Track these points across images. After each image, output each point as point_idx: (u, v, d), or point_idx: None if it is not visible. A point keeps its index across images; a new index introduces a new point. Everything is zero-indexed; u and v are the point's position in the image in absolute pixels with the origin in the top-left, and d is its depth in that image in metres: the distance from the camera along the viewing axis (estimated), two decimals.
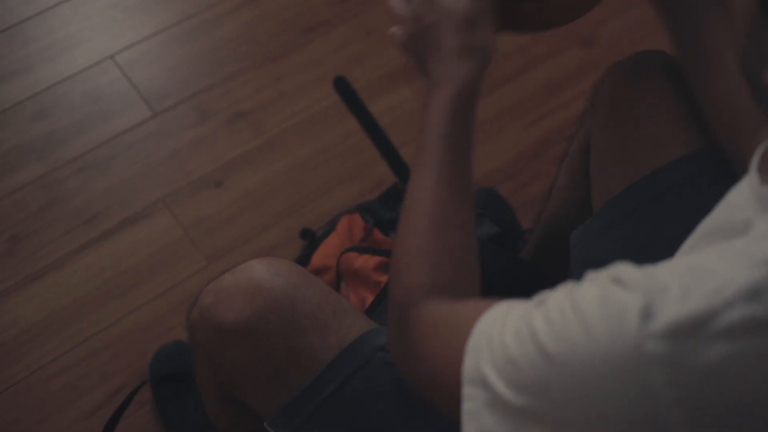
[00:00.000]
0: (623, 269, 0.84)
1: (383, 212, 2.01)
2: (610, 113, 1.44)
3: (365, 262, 1.79)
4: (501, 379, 0.89)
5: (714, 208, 0.98)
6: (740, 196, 0.90)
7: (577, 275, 1.39)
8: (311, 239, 1.99)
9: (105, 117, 2.16)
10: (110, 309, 1.93)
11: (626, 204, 1.39)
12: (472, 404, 0.93)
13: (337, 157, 2.15)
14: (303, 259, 1.95)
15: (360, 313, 1.30)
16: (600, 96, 1.49)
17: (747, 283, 0.77)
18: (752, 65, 0.88)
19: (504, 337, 0.90)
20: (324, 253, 1.93)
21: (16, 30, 2.27)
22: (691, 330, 0.77)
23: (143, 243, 2.01)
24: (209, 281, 1.29)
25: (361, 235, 1.92)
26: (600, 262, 1.08)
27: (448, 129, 1.14)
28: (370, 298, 1.71)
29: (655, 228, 1.35)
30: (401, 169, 2.00)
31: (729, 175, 1.34)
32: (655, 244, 1.33)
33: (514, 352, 0.87)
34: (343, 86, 2.09)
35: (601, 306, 0.82)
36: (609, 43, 2.38)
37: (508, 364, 0.88)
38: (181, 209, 2.05)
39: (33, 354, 1.88)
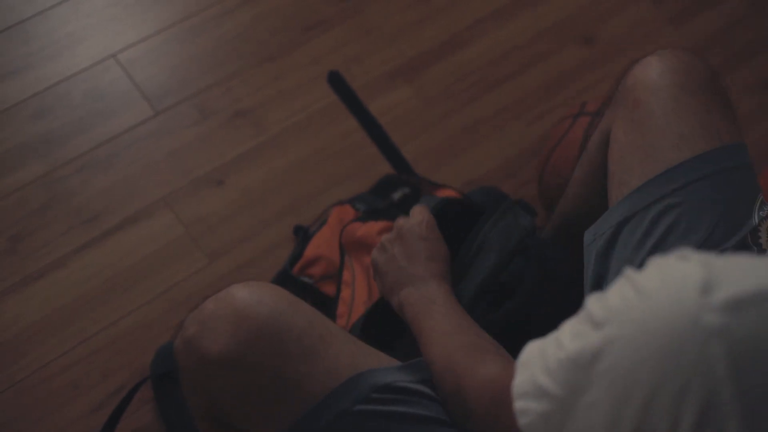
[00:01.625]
0: (688, 249, 0.85)
1: (375, 202, 2.02)
2: (633, 107, 1.44)
3: (369, 229, 1.86)
4: (557, 382, 0.90)
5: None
6: None
7: (595, 273, 1.39)
8: (303, 235, 1.99)
9: (106, 116, 2.16)
10: (111, 307, 1.94)
11: (642, 199, 1.38)
12: (527, 419, 0.95)
13: (337, 155, 2.16)
14: (296, 256, 1.95)
15: (349, 336, 1.28)
16: (623, 90, 1.49)
17: None
18: None
19: (560, 340, 0.92)
20: (316, 245, 1.95)
21: (17, 29, 2.27)
22: (750, 305, 0.78)
23: (144, 242, 2.01)
24: (192, 309, 1.27)
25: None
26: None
27: (455, 307, 1.41)
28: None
29: (673, 223, 1.35)
30: (396, 158, 2.02)
31: (749, 174, 1.34)
32: (670, 240, 1.33)
33: (572, 348, 0.89)
34: (336, 81, 2.10)
35: (662, 278, 0.83)
36: (609, 42, 2.38)
37: (563, 363, 0.90)
38: (182, 208, 2.05)
39: (34, 353, 1.88)
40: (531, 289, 1.63)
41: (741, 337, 0.77)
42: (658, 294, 0.82)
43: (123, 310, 1.93)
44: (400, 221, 1.59)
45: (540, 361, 0.95)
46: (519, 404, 0.97)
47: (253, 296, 1.23)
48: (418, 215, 1.59)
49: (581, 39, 2.37)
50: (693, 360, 0.79)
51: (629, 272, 0.88)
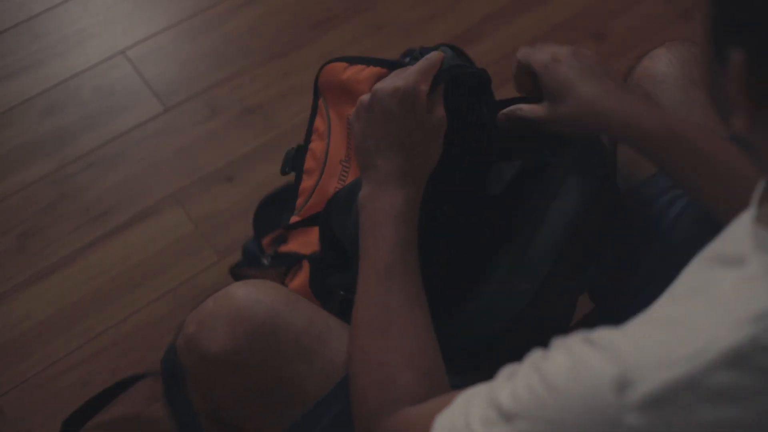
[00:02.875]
0: (596, 331, 0.81)
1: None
2: (649, 95, 1.43)
3: (357, 72, 1.45)
4: None
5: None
6: (739, 229, 0.85)
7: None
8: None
9: (115, 112, 2.15)
10: (121, 305, 1.93)
11: (646, 193, 1.37)
12: None
13: None
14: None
15: (346, 331, 1.25)
16: (631, 81, 1.48)
17: (729, 345, 0.73)
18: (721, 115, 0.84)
19: (471, 425, 0.87)
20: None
21: (26, 26, 2.26)
22: (671, 399, 0.74)
23: (154, 238, 2.01)
24: (194, 308, 1.27)
25: None
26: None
27: (401, 237, 1.16)
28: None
29: (682, 211, 1.33)
30: None
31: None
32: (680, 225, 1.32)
33: None
34: None
35: (571, 373, 0.79)
36: (620, 37, 2.36)
37: None
38: (192, 204, 2.05)
39: (44, 350, 1.88)
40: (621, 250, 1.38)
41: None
42: (571, 392, 0.78)
43: (132, 307, 1.93)
44: (379, 83, 1.23)
45: None
46: None
47: (252, 295, 1.21)
48: (395, 79, 1.21)
49: (592, 35, 2.36)
50: None
51: (536, 358, 0.84)
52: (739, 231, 0.84)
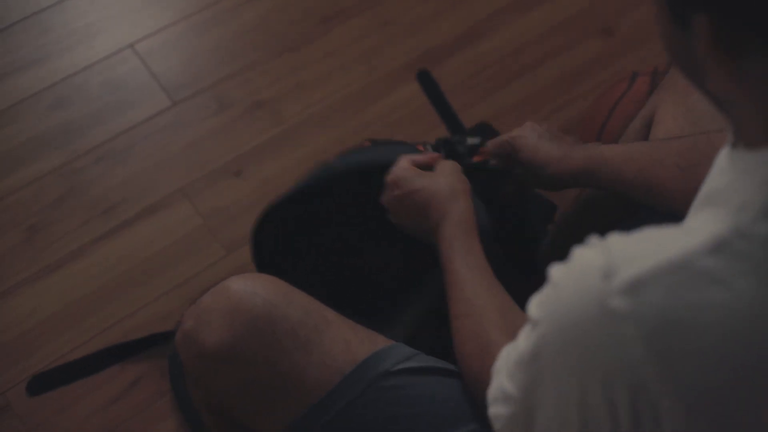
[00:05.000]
0: (596, 236, 0.86)
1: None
2: (685, 93, 1.43)
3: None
4: (515, 384, 0.94)
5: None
6: (723, 160, 0.90)
7: None
8: None
9: (123, 106, 2.15)
10: (128, 299, 1.93)
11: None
12: (499, 424, 0.99)
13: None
14: None
15: (345, 322, 1.28)
16: (674, 74, 1.48)
17: (711, 233, 0.78)
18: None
19: (517, 341, 0.95)
20: None
21: (34, 19, 2.26)
22: (651, 282, 0.78)
23: (162, 233, 2.01)
24: (192, 301, 1.27)
25: None
26: None
27: (464, 247, 1.32)
28: None
29: None
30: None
31: None
32: None
33: (521, 348, 0.92)
34: (426, 80, 2.08)
35: (568, 267, 0.85)
36: (628, 34, 2.36)
37: (517, 365, 0.93)
38: (200, 199, 2.05)
39: (51, 344, 1.88)
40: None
41: (649, 315, 0.78)
42: (566, 284, 0.84)
43: (140, 302, 1.93)
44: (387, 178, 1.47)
45: (505, 365, 0.99)
46: (492, 411, 1.01)
47: (248, 288, 1.23)
48: (389, 177, 1.46)
49: (600, 30, 2.36)
50: (609, 346, 0.80)
51: (552, 268, 0.89)
52: (722, 162, 0.91)
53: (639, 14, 2.39)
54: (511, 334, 1.09)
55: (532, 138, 1.50)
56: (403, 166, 1.43)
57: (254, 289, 1.23)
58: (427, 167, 1.45)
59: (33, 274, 1.95)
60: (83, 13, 2.28)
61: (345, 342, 1.24)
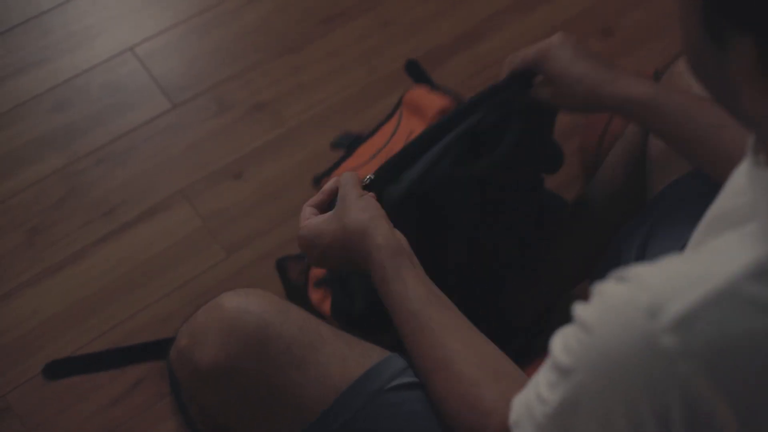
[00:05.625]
0: (627, 269, 0.84)
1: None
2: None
3: (432, 101, 1.71)
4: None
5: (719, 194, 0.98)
6: (741, 179, 0.89)
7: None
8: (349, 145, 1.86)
9: (124, 109, 2.16)
10: (129, 301, 1.93)
11: (680, 190, 1.37)
12: None
13: None
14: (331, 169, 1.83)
15: (340, 338, 1.26)
16: (669, 77, 1.48)
17: (752, 259, 0.77)
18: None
19: (541, 394, 0.92)
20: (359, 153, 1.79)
21: (35, 22, 2.27)
22: (702, 316, 0.77)
23: (162, 235, 2.01)
24: (186, 318, 1.27)
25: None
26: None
27: (411, 278, 1.22)
28: (417, 130, 1.63)
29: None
30: None
31: None
32: None
33: (552, 400, 0.89)
34: (414, 69, 2.07)
35: (604, 309, 0.83)
36: (628, 34, 2.36)
37: (551, 419, 0.90)
38: (200, 201, 2.05)
39: (52, 346, 1.88)
40: (510, 151, 1.46)
41: (705, 349, 0.77)
42: (607, 329, 0.82)
43: (140, 303, 1.93)
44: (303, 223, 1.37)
45: (529, 420, 0.94)
46: None
47: (241, 306, 1.22)
48: (299, 242, 1.37)
49: (600, 30, 2.36)
50: (664, 385, 0.79)
51: (578, 309, 0.87)
52: (740, 181, 0.89)
53: (639, 14, 2.39)
54: (501, 383, 1.09)
55: (568, 50, 1.39)
56: (305, 222, 1.35)
57: (247, 306, 1.22)
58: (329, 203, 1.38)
59: (34, 276, 1.95)
60: (83, 16, 2.28)
61: (341, 359, 1.23)
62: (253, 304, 1.22)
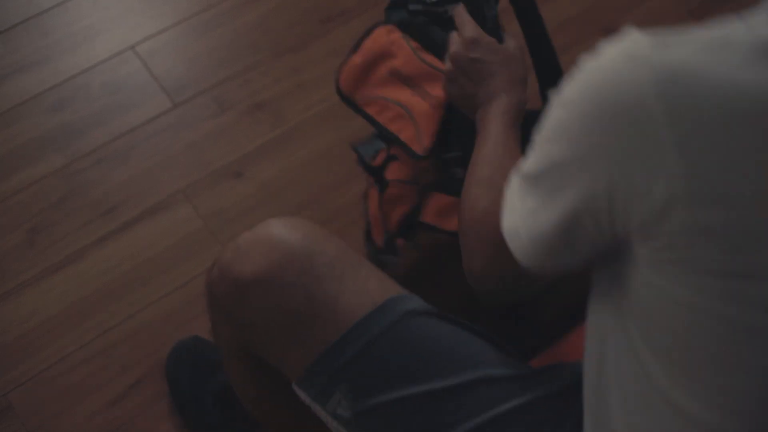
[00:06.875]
0: None
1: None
2: None
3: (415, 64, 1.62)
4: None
5: None
6: None
7: None
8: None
9: (124, 108, 2.16)
10: (129, 300, 1.93)
11: None
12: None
13: None
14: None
15: (375, 266, 1.30)
16: None
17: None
18: None
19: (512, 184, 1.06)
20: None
21: (35, 21, 2.27)
22: (685, 43, 0.86)
23: (162, 234, 2.01)
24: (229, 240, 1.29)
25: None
26: None
27: (507, 132, 1.35)
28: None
29: None
30: None
31: None
32: None
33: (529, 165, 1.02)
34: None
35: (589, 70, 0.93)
36: None
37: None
38: (201, 200, 2.05)
39: (53, 345, 1.88)
40: None
41: (668, 65, 0.85)
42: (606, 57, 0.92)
43: (141, 303, 1.93)
44: (452, 48, 1.45)
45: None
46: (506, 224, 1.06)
47: (287, 225, 1.27)
48: (457, 41, 1.45)
49: (600, 30, 2.36)
50: (623, 86, 0.87)
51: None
52: None
53: (639, 14, 2.39)
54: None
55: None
56: (480, 31, 1.45)
57: (294, 226, 1.27)
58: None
59: (34, 276, 1.95)
60: (84, 15, 2.28)
61: (379, 279, 1.27)
62: (299, 225, 1.27)
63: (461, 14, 1.46)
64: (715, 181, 0.84)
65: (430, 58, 1.56)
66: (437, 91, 1.53)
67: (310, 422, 1.31)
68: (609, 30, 2.35)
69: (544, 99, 1.58)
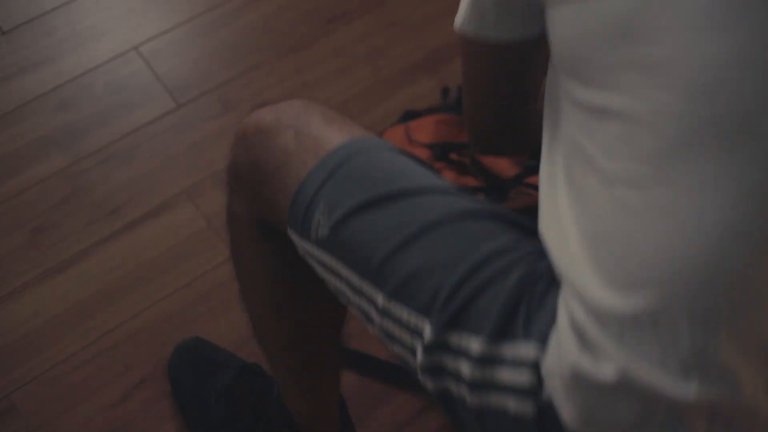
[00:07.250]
0: None
1: None
2: None
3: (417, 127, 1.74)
4: None
5: None
6: None
7: None
8: None
9: (128, 108, 2.16)
10: (133, 300, 1.93)
11: None
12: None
13: None
14: None
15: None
16: None
17: None
18: None
19: None
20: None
21: (39, 21, 2.27)
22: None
23: (166, 234, 2.01)
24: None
25: None
26: None
27: None
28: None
29: None
30: None
31: None
32: None
33: None
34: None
35: None
36: None
37: None
38: (204, 200, 2.05)
39: (56, 345, 1.88)
40: None
41: None
42: None
43: (144, 302, 1.93)
44: None
45: None
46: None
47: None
48: None
49: None
50: None
51: None
52: None
53: None
54: None
55: None
56: None
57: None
58: None
59: (37, 276, 1.95)
60: (88, 15, 2.28)
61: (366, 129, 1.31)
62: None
63: None
64: None
65: None
66: None
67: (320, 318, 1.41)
68: None
69: None
